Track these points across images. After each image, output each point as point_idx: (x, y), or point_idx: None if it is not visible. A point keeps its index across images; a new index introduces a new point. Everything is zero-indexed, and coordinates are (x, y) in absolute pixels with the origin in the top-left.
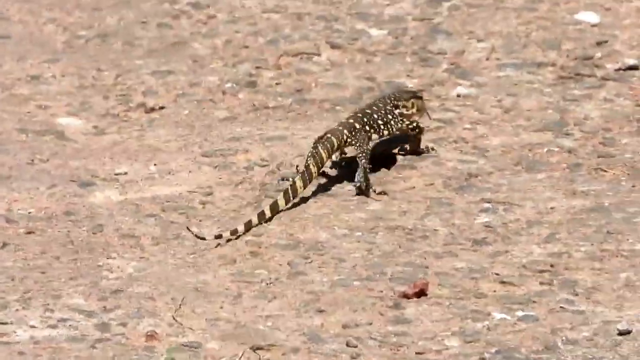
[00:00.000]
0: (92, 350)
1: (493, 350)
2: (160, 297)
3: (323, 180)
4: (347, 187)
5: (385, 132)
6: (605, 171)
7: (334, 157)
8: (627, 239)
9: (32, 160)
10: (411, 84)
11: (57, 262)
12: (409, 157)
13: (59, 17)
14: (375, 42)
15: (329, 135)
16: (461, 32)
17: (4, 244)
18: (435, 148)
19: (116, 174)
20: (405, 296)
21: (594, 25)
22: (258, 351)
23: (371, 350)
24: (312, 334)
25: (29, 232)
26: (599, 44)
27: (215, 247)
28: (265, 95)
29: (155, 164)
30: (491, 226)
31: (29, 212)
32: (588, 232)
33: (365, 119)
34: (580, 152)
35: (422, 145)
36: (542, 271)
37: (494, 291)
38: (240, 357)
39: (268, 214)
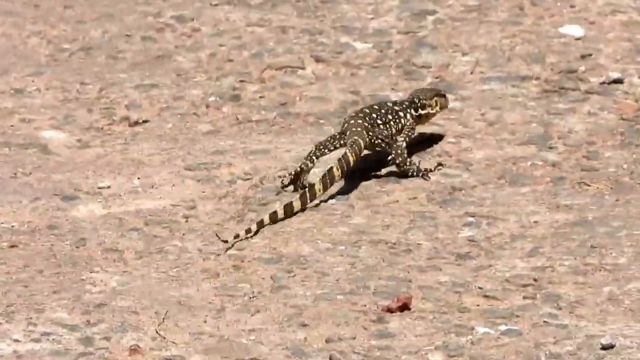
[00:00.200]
0: None
1: None
2: (143, 311)
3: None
4: (331, 201)
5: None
6: (588, 185)
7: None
8: (611, 253)
9: (15, 174)
10: (396, 97)
11: (40, 276)
12: (393, 170)
13: (43, 30)
14: (360, 55)
15: (356, 137)
16: (446, 45)
17: None
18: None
19: (99, 188)
20: (389, 310)
21: (578, 39)
22: None
23: None
24: (295, 348)
25: (12, 246)
26: (583, 57)
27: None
28: (249, 108)
29: (138, 178)
30: (475, 240)
31: (12, 226)
32: (571, 246)
33: (383, 111)
34: (564, 165)
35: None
36: (525, 285)
37: (478, 305)
38: None
39: (281, 215)
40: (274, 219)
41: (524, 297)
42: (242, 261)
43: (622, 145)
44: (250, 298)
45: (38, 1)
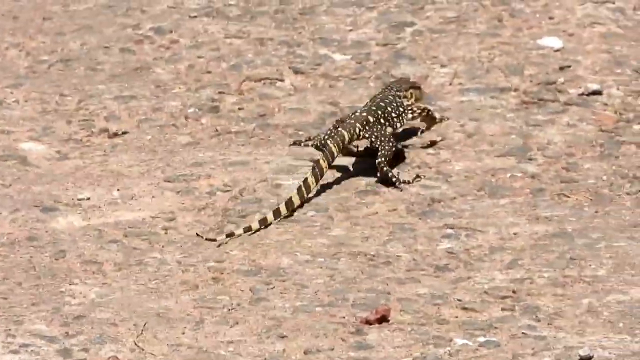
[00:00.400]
0: None
1: None
2: (122, 323)
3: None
4: (310, 213)
5: (399, 125)
6: (568, 196)
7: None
8: (590, 265)
9: None
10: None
11: (19, 288)
12: (372, 182)
13: (22, 42)
14: (339, 67)
15: (339, 129)
16: (424, 57)
17: None
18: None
19: (79, 199)
20: (367, 322)
21: (557, 51)
22: None
23: None
24: None
25: None
26: (562, 69)
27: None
28: (228, 120)
29: (118, 189)
30: (454, 252)
31: None
32: (550, 258)
33: (380, 112)
34: (543, 177)
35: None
36: (504, 297)
37: (456, 317)
38: None
39: (284, 211)
40: (277, 215)
41: (503, 309)
42: (221, 273)
43: (602, 156)
44: (229, 310)
45: (17, 13)
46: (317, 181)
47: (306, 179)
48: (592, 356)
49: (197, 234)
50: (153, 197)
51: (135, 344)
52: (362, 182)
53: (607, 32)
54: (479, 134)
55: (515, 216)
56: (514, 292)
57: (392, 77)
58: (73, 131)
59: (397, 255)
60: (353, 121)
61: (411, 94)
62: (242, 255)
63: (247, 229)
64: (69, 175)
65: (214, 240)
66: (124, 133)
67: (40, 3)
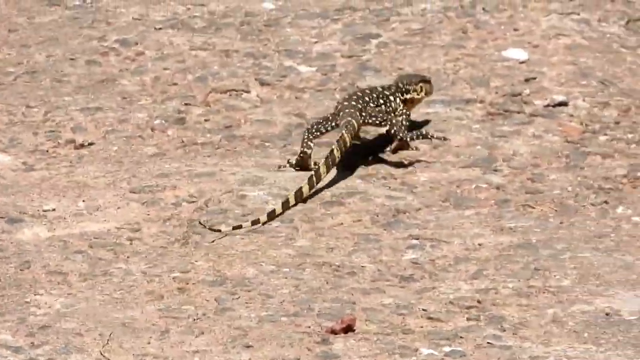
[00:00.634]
0: None
1: None
2: (88, 333)
3: (251, 217)
4: (275, 224)
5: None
6: (533, 207)
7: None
8: (554, 275)
9: None
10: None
11: None
12: (337, 193)
13: None
14: (304, 78)
15: (349, 119)
16: (389, 69)
17: None
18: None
19: (44, 211)
20: (333, 332)
21: (522, 62)
22: None
23: None
24: None
25: None
26: (527, 80)
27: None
28: (194, 131)
29: (83, 200)
30: (419, 262)
31: None
32: (515, 269)
33: (375, 95)
34: (508, 188)
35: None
36: (469, 307)
37: (421, 327)
38: None
39: (292, 201)
40: (286, 207)
41: (468, 319)
42: (187, 283)
43: (567, 167)
44: (194, 320)
45: None
46: (328, 170)
47: (318, 168)
48: None
49: (200, 223)
50: (118, 208)
51: (101, 353)
52: (328, 193)
53: (573, 44)
54: (444, 145)
55: (480, 227)
56: (479, 302)
57: (357, 87)
58: (39, 142)
59: (362, 266)
60: (353, 110)
61: (421, 87)
62: (207, 265)
63: (256, 222)
64: (35, 187)
65: (219, 230)
66: (90, 144)
67: (5, 15)
